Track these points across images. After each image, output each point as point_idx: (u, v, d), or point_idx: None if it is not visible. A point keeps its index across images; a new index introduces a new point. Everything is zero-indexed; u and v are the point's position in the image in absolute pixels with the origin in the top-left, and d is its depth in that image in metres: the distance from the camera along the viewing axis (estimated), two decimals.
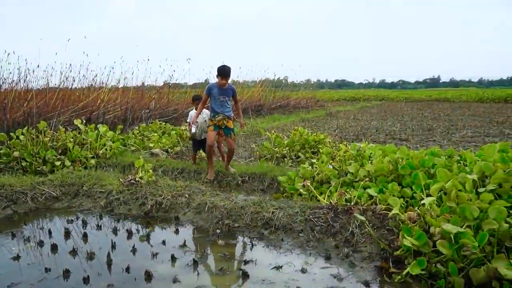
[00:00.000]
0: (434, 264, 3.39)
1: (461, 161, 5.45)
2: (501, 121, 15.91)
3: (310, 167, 6.23)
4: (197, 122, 6.96)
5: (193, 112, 7.05)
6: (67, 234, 4.61)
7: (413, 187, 4.67)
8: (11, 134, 7.67)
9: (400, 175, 5.13)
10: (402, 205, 4.21)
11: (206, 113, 7.06)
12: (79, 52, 12.58)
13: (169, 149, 9.25)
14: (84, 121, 9.20)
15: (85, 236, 4.54)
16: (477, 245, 3.13)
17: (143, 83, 14.15)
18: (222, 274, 3.60)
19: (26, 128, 7.79)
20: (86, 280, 3.42)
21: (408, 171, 5.03)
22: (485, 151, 5.25)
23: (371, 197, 4.71)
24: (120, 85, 13.41)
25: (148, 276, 3.54)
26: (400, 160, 5.39)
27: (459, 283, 3.16)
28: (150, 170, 6.23)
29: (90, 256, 3.95)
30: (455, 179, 3.89)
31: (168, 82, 14.93)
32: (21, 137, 7.58)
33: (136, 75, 36.05)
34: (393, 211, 3.82)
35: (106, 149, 8.26)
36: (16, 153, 7.30)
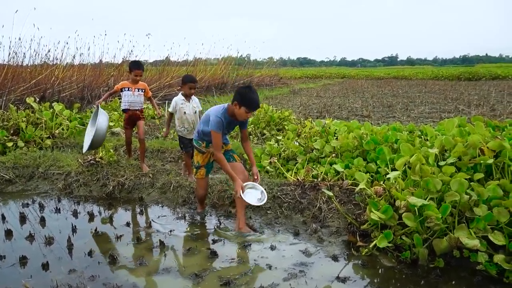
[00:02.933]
0: (399, 237, 3.48)
1: (422, 136, 5.59)
2: (455, 98, 16.55)
3: (276, 144, 6.21)
4: (185, 114, 5.10)
5: (179, 99, 5.14)
6: (23, 219, 4.35)
7: (378, 162, 4.75)
8: None
9: (365, 151, 5.20)
10: (368, 180, 4.27)
11: (196, 101, 5.27)
12: (29, 25, 11.75)
13: None
14: (38, 100, 8.67)
15: (42, 220, 4.31)
16: (440, 216, 3.22)
17: (100, 60, 13.50)
18: (190, 254, 3.52)
19: None
20: (45, 266, 3.24)
21: (372, 146, 5.10)
22: (444, 126, 5.40)
23: (337, 172, 4.75)
24: (76, 62, 12.73)
25: (113, 260, 3.40)
26: (365, 135, 5.46)
27: (423, 253, 3.26)
28: (111, 150, 5.98)
29: (49, 241, 3.74)
30: (419, 153, 3.97)
31: (127, 58, 14.32)
32: None
33: (93, 51, 34.56)
34: (360, 186, 3.86)
35: (63, 129, 7.85)
36: None
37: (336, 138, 5.65)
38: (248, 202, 3.70)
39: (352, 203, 4.16)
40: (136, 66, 5.49)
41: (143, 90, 5.59)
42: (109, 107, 10.58)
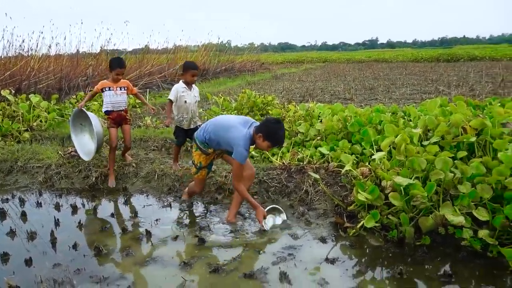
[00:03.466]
0: (386, 216, 3.51)
1: (406, 117, 5.63)
2: (435, 79, 16.74)
3: None
4: (185, 103, 4.83)
5: (180, 86, 4.84)
6: (3, 214, 4.23)
7: (363, 144, 4.76)
8: None
9: (350, 133, 5.20)
10: (354, 161, 4.28)
11: (196, 91, 5.02)
12: (1, 15, 11.32)
13: None
14: (13, 92, 8.40)
15: (23, 215, 4.19)
16: (426, 195, 3.25)
17: (77, 50, 13.12)
18: (178, 243, 3.49)
19: None
20: (28, 262, 3.16)
21: (357, 128, 5.11)
22: (426, 106, 5.44)
23: (323, 155, 4.75)
24: (52, 52, 12.33)
25: (98, 252, 3.34)
26: (349, 118, 5.47)
27: (409, 232, 3.29)
28: None
29: (31, 236, 3.65)
30: (403, 134, 3.99)
31: (105, 47, 13.99)
32: None
33: (69, 40, 33.56)
34: (346, 168, 3.86)
35: (41, 121, 7.63)
36: None
37: (321, 121, 5.64)
38: (270, 228, 3.66)
39: (338, 185, 4.17)
40: (117, 64, 4.90)
41: (126, 88, 5.06)
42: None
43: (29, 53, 11.67)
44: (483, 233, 3.03)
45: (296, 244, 3.36)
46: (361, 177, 3.82)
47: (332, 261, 3.07)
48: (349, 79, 18.56)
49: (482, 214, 3.12)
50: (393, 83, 15.78)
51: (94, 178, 5.11)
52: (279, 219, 3.74)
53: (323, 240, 3.43)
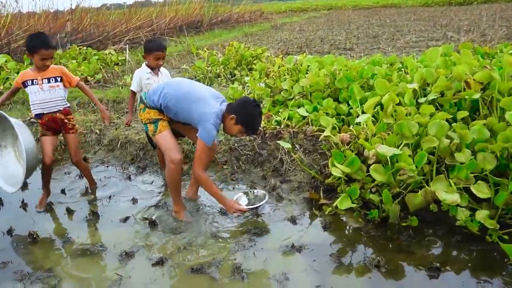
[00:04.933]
0: (369, 190, 2.97)
1: (403, 69, 4.95)
2: (444, 24, 15.58)
3: (241, 86, 5.54)
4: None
5: (143, 72, 3.62)
6: None
7: (350, 103, 4.14)
8: None
9: (337, 89, 4.56)
10: (336, 124, 3.69)
11: (166, 74, 3.75)
12: None
13: (88, 78, 8.12)
14: None
15: None
16: (415, 167, 2.68)
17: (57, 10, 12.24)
18: (125, 226, 3.02)
19: None
20: None
21: (345, 84, 4.45)
22: (427, 56, 4.75)
23: (303, 117, 4.15)
24: (24, 10, 11.49)
25: (33, 239, 2.89)
26: (338, 72, 4.80)
27: (394, 211, 2.77)
28: None
29: None
30: (393, 91, 3.37)
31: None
32: None
33: None
34: (325, 133, 3.28)
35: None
36: None
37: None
38: (250, 208, 2.97)
39: (318, 153, 3.61)
40: (40, 43, 3.13)
41: (60, 79, 3.34)
42: (67, 55, 9.64)
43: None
44: (481, 215, 2.49)
45: (261, 226, 2.87)
46: (341, 144, 3.25)
47: (299, 248, 2.58)
48: (352, 27, 17.44)
49: (482, 190, 2.56)
50: (399, 30, 14.71)
51: None
52: (259, 193, 3.18)
53: (293, 220, 2.92)
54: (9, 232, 3.01)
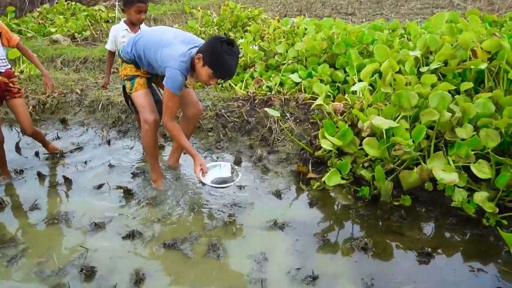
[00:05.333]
0: (361, 165, 2.76)
1: (405, 35, 4.64)
2: None
3: None
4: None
5: (120, 29, 3.22)
6: None
7: (347, 69, 3.86)
8: None
9: (334, 55, 4.27)
10: (331, 92, 3.43)
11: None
12: None
13: (76, 35, 7.72)
14: None
15: None
16: (412, 142, 2.46)
17: None
18: (98, 194, 2.82)
19: None
20: None
21: (343, 49, 4.15)
22: (432, 23, 4.44)
23: (296, 83, 3.88)
24: None
25: (0, 205, 2.70)
26: (336, 36, 4.49)
27: (386, 188, 2.57)
28: None
29: None
30: (393, 58, 3.10)
31: None
32: None
33: None
34: (317, 102, 3.03)
35: None
36: None
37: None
38: (211, 186, 2.54)
39: (309, 122, 3.37)
40: None
41: None
42: (55, 10, 9.16)
43: None
44: (480, 197, 2.29)
45: (242, 201, 2.67)
46: (334, 113, 3.01)
47: (281, 226, 2.39)
48: None
49: (482, 170, 2.35)
50: None
51: (31, 107, 4.33)
52: (226, 170, 2.65)
53: (278, 194, 2.72)
54: None
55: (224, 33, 7.20)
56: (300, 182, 2.83)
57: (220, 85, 4.24)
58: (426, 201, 2.56)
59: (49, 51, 6.32)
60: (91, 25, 8.37)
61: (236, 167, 2.66)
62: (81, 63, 6.02)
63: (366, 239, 2.20)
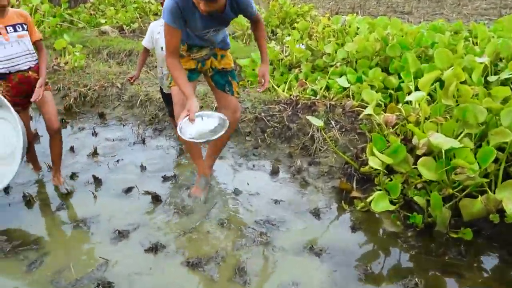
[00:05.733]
0: (414, 187, 2.43)
1: (471, 39, 4.18)
2: None
3: (279, 46, 4.96)
4: (162, 49, 2.86)
5: (157, 24, 3.08)
6: None
7: (402, 75, 3.49)
8: None
9: (388, 58, 3.90)
10: (382, 101, 3.11)
11: None
12: None
13: (124, 26, 7.77)
14: None
15: None
16: (477, 166, 2.11)
17: None
18: (126, 199, 2.68)
19: None
20: None
21: (398, 52, 3.79)
22: (502, 25, 3.98)
23: (344, 88, 3.56)
24: None
25: (28, 202, 2.63)
26: (391, 37, 4.12)
27: (443, 217, 2.23)
28: (77, 53, 4.98)
29: None
30: (458, 65, 2.72)
31: None
32: None
33: None
34: (366, 111, 2.72)
35: (44, 28, 6.84)
36: None
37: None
38: (184, 138, 2.14)
39: (356, 132, 3.07)
40: None
41: (25, 26, 2.57)
42: (106, 1, 9.31)
43: None
44: None
45: (277, 218, 2.42)
46: (384, 126, 2.69)
47: (318, 252, 2.13)
48: None
49: None
50: None
51: (72, 99, 4.32)
52: (211, 122, 2.21)
53: (316, 214, 2.45)
54: (6, 190, 2.76)
55: (272, 30, 6.96)
56: (343, 201, 2.55)
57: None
58: (491, 236, 2.19)
59: (96, 42, 6.36)
60: (140, 17, 8.39)
61: (226, 118, 2.22)
62: (126, 55, 5.99)
63: (416, 278, 1.89)
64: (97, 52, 6.15)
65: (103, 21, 7.76)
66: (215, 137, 2.12)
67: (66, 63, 4.84)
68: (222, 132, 2.13)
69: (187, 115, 2.13)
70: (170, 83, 2.53)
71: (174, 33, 2.21)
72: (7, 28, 2.46)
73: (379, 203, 2.19)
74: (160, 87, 3.22)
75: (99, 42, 6.41)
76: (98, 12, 8.56)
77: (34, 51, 2.65)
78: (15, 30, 2.49)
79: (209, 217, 2.44)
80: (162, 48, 2.88)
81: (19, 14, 2.55)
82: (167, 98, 3.10)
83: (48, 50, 5.92)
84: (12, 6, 2.30)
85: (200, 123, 2.19)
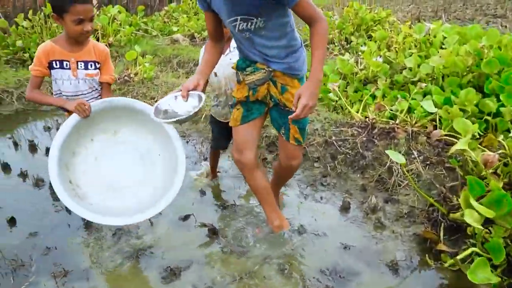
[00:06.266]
0: None
1: None
2: None
3: (353, 58, 4.58)
4: (216, 75, 2.56)
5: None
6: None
7: (502, 98, 2.98)
8: (16, 20, 6.69)
9: (483, 75, 3.38)
10: (479, 133, 2.64)
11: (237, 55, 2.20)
12: None
13: (195, 34, 7.82)
14: (96, 3, 7.90)
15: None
16: None
17: None
18: (183, 227, 2.51)
19: (30, 12, 6.73)
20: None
21: (496, 68, 3.25)
22: None
23: (430, 113, 3.12)
24: None
25: (86, 224, 2.57)
26: (486, 50, 3.57)
27: None
28: (147, 64, 5.00)
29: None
30: None
31: None
32: (25, 23, 6.59)
33: None
34: (457, 146, 2.29)
35: (120, 36, 7.07)
36: (19, 43, 6.40)
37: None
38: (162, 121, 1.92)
39: (444, 167, 2.63)
40: None
41: (98, 65, 2.27)
42: (180, 9, 9.47)
43: None
44: None
45: (345, 268, 2.10)
46: (482, 167, 2.24)
47: None
48: None
49: None
50: None
51: None
52: (193, 103, 1.92)
53: (393, 267, 2.09)
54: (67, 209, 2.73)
55: (346, 38, 6.57)
56: (426, 255, 2.15)
57: (341, 103, 3.65)
58: None
59: (167, 51, 6.42)
60: None
61: (203, 96, 1.91)
62: (195, 65, 5.97)
63: None
64: (167, 61, 6.21)
65: (175, 29, 7.89)
66: (184, 117, 1.87)
67: (136, 74, 4.88)
68: (197, 110, 1.87)
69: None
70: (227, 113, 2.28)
71: (206, 15, 1.98)
72: (79, 63, 2.20)
73: (478, 272, 1.77)
74: (211, 115, 2.84)
75: (170, 50, 6.48)
76: (172, 19, 8.73)
77: (98, 89, 2.35)
78: (86, 68, 2.22)
79: (269, 260, 2.19)
80: (215, 74, 2.52)
81: (97, 50, 2.25)
82: (215, 127, 2.82)
83: (122, 59, 6.11)
84: (91, 20, 2.08)
85: (183, 103, 1.94)
